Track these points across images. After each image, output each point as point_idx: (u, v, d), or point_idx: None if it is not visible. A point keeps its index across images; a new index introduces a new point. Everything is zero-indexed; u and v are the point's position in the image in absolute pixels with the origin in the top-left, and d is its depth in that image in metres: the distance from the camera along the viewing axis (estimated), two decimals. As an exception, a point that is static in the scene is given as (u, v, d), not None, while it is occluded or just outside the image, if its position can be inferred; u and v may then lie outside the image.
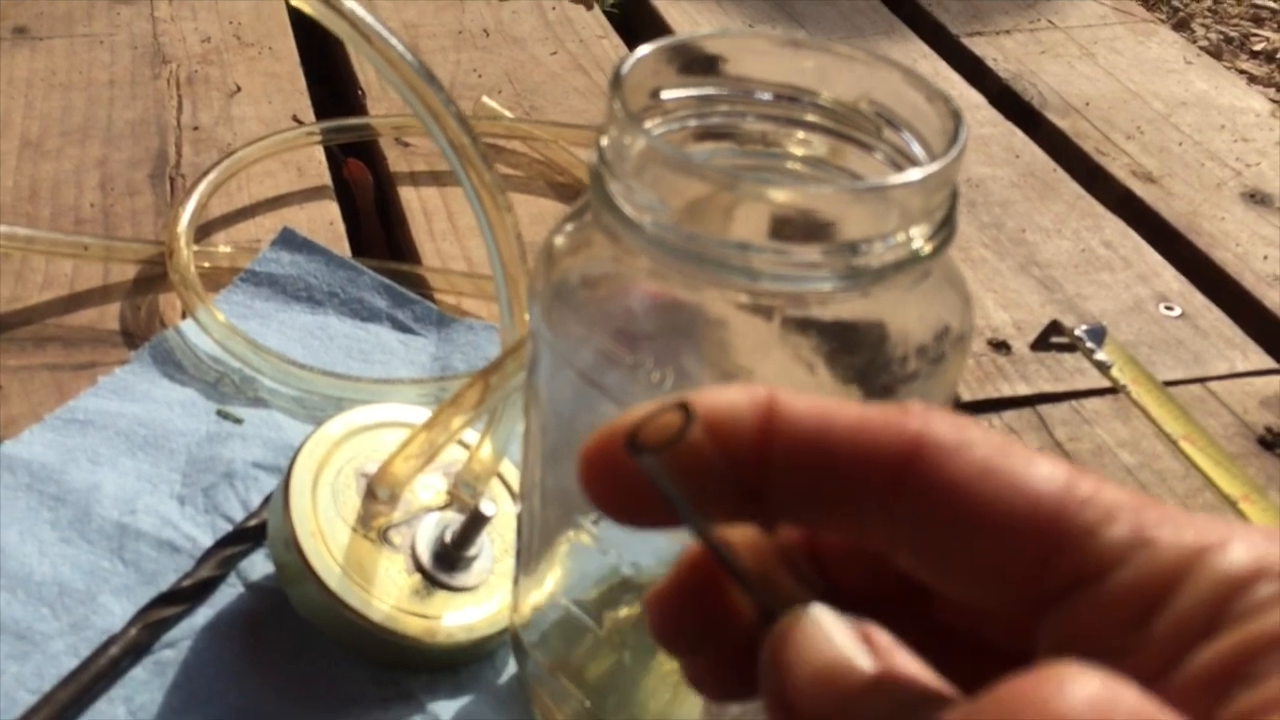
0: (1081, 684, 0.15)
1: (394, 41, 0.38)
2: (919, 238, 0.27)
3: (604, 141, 0.28)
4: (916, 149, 0.29)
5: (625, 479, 0.20)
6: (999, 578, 0.19)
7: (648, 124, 0.30)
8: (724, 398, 0.20)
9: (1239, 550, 0.17)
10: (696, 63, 0.31)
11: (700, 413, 0.19)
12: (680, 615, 0.21)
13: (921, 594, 0.21)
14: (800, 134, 0.31)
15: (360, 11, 0.38)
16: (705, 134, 0.31)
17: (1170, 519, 0.18)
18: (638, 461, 0.19)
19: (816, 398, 0.20)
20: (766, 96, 0.31)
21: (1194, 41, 1.10)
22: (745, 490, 0.20)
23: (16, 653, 0.37)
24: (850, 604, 0.19)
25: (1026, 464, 0.18)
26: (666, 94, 0.30)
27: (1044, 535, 0.18)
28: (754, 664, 0.19)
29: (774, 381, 0.28)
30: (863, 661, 0.18)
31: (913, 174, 0.26)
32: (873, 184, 0.28)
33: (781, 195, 0.27)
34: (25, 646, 0.37)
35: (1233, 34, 1.16)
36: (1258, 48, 1.15)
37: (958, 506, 0.18)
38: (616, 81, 0.27)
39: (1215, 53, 1.10)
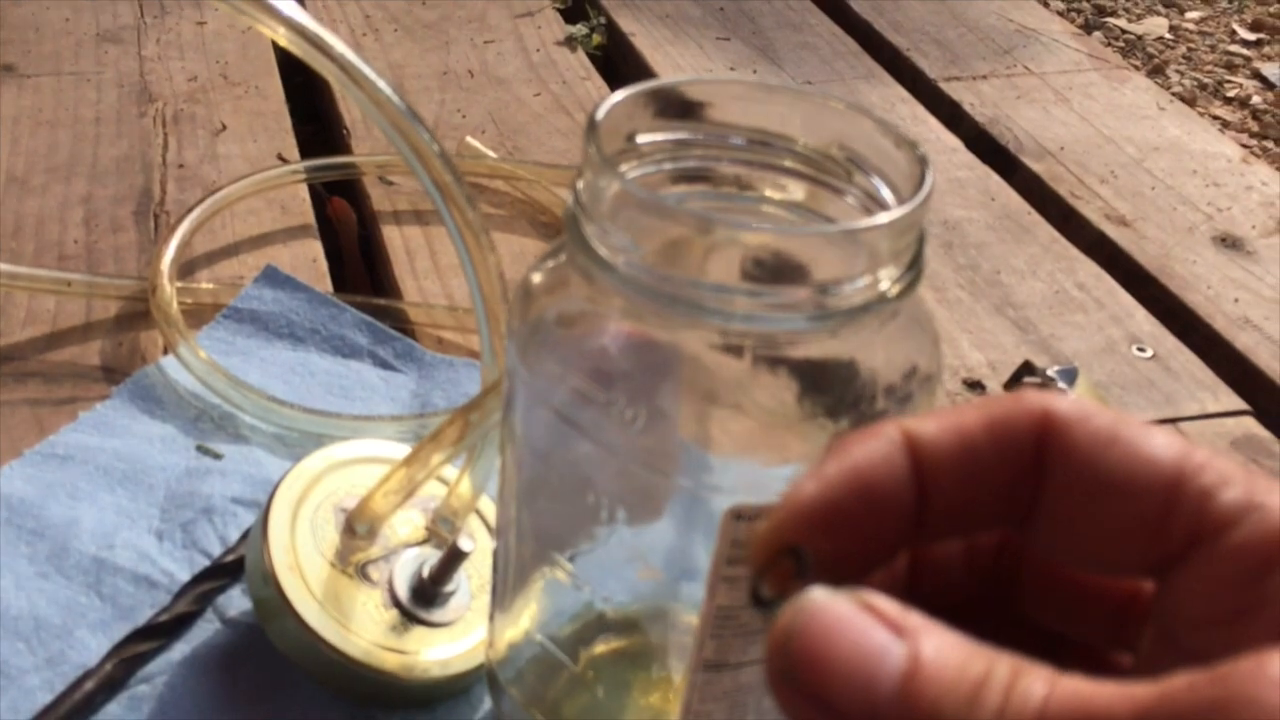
0: None
1: (380, 83, 0.39)
2: (887, 279, 0.27)
3: (580, 185, 0.28)
4: (886, 193, 0.30)
5: None
6: (1124, 539, 0.20)
7: (623, 167, 0.30)
8: (873, 455, 0.20)
9: None
10: (672, 107, 0.31)
11: (862, 484, 0.20)
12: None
13: (1009, 601, 0.23)
14: (773, 178, 0.32)
15: (347, 53, 0.39)
16: (680, 177, 0.32)
17: (1279, 488, 0.19)
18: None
19: (939, 413, 0.21)
20: (740, 141, 0.32)
21: (1168, 88, 1.12)
22: (908, 528, 0.21)
23: (-9, 688, 0.37)
24: (945, 614, 0.20)
25: (1145, 433, 0.20)
26: (642, 138, 0.31)
27: (1164, 497, 0.19)
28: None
29: (743, 420, 0.29)
30: (896, 651, 0.18)
31: (881, 218, 0.27)
32: (842, 227, 0.29)
33: (753, 238, 0.28)
34: (0, 681, 0.37)
35: (1206, 80, 1.18)
36: (1231, 94, 1.17)
37: (1088, 472, 0.20)
38: (592, 126, 0.28)
39: (1189, 99, 1.12)
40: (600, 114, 0.28)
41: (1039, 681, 0.17)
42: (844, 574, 0.20)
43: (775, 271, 0.27)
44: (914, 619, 0.18)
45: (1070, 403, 0.20)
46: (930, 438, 0.21)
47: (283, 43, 0.38)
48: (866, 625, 0.18)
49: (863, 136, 0.30)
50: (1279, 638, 0.17)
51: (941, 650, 0.18)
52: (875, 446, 0.20)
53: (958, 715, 0.17)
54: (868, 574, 0.21)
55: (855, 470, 0.20)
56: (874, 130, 0.30)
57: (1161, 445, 0.20)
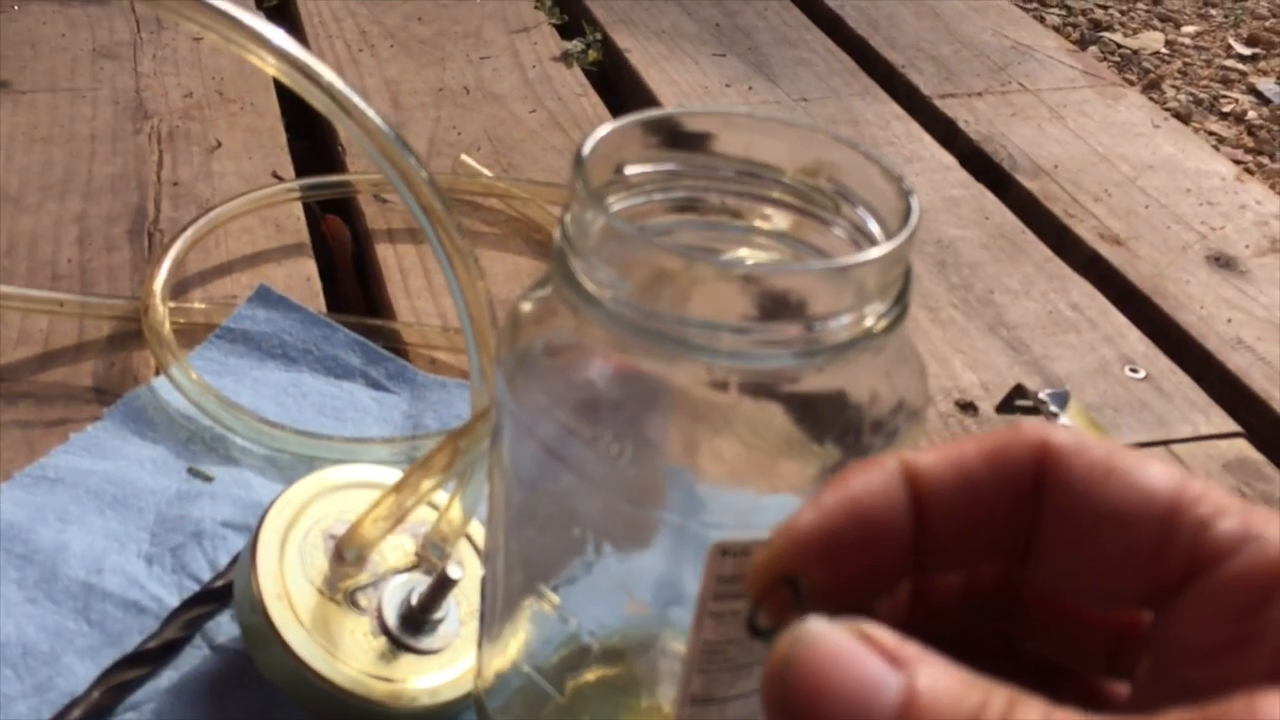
0: None
1: (370, 112, 0.39)
2: (873, 315, 0.27)
3: (566, 218, 0.28)
4: (873, 225, 0.30)
5: None
6: (1122, 570, 0.20)
7: (611, 199, 0.30)
8: (871, 485, 0.21)
9: None
10: (660, 138, 0.31)
11: (859, 514, 0.20)
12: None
13: (1007, 630, 0.23)
14: (762, 208, 0.32)
15: (336, 82, 0.39)
16: (670, 207, 0.32)
17: (1276, 518, 0.19)
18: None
19: (938, 445, 0.21)
20: (729, 172, 0.32)
21: (1164, 103, 1.12)
22: (906, 559, 0.21)
23: (-21, 715, 0.37)
24: (943, 643, 0.19)
25: (1141, 463, 0.20)
26: (631, 169, 0.31)
27: (1161, 528, 0.19)
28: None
29: (730, 453, 0.29)
30: (892, 683, 0.18)
31: (869, 254, 0.27)
32: (827, 264, 0.29)
33: (737, 275, 0.28)
34: (-12, 708, 0.37)
35: (1202, 95, 1.18)
36: (1227, 109, 1.17)
37: (1085, 503, 0.20)
38: (578, 161, 0.28)
39: (1185, 114, 1.13)
40: (587, 149, 0.28)
41: (1034, 713, 0.17)
42: (842, 604, 0.20)
43: (763, 303, 0.27)
44: (910, 649, 0.18)
45: (1067, 434, 0.20)
46: (929, 469, 0.21)
47: (272, 72, 0.38)
48: (863, 656, 0.18)
49: (850, 168, 0.30)
50: (1273, 672, 0.17)
51: (938, 681, 0.18)
52: (873, 477, 0.21)
53: None
54: (867, 604, 0.21)
55: (852, 501, 0.20)
56: (861, 162, 0.30)
57: (1158, 475, 0.20)
